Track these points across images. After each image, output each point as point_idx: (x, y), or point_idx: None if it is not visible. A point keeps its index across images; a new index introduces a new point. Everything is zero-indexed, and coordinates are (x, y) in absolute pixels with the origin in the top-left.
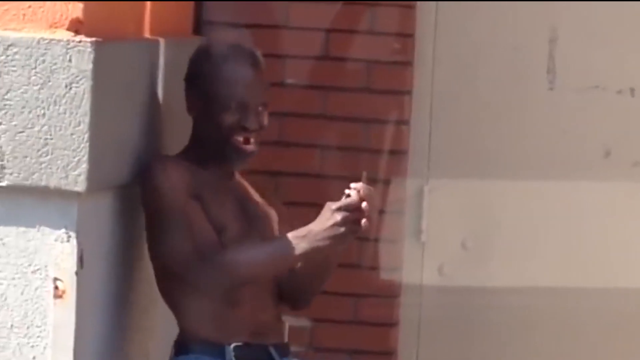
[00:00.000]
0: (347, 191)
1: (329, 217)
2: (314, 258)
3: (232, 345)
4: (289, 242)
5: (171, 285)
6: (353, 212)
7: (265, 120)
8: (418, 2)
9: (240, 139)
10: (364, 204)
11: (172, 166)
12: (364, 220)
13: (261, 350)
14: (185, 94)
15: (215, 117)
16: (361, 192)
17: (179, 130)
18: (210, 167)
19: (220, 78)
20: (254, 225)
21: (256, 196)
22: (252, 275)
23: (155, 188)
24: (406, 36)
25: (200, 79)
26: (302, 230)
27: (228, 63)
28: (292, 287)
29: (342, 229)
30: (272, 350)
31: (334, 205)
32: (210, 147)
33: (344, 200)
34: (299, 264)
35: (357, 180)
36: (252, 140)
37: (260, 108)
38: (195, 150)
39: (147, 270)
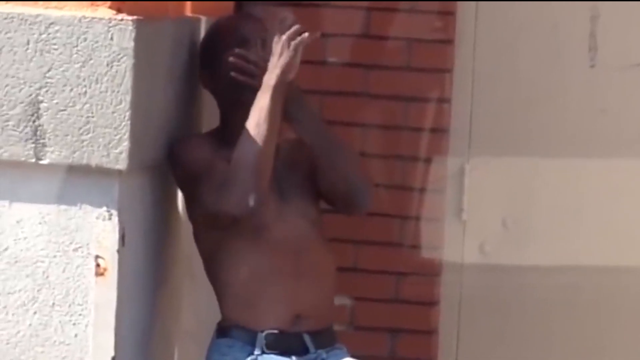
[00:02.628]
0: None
1: (278, 51)
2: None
3: (265, 333)
4: (259, 98)
5: (214, 264)
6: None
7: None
8: None
9: None
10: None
11: (195, 137)
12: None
13: (296, 338)
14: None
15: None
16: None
17: (217, 110)
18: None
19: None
20: (283, 192)
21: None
22: (258, 151)
23: (179, 153)
24: (447, 14)
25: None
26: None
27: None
28: (332, 187)
29: (290, 51)
30: (308, 339)
31: (277, 37)
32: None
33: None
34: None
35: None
36: None
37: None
38: (222, 130)
39: (185, 248)
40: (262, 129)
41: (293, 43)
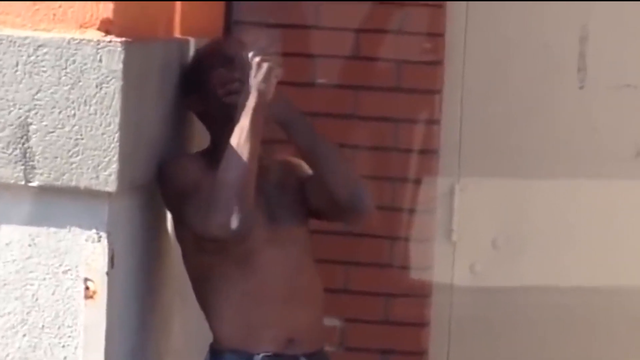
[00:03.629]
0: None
1: (255, 68)
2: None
3: (261, 355)
4: (242, 118)
5: (203, 287)
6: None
7: None
8: (448, 2)
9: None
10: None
11: (184, 156)
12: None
13: None
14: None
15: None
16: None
17: (206, 131)
18: None
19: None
20: (273, 216)
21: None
22: (240, 172)
23: (167, 172)
24: (436, 35)
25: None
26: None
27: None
28: (333, 200)
29: (265, 65)
30: None
31: (251, 54)
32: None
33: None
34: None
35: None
36: None
37: None
38: (213, 151)
39: (175, 269)
40: (243, 150)
41: (265, 64)
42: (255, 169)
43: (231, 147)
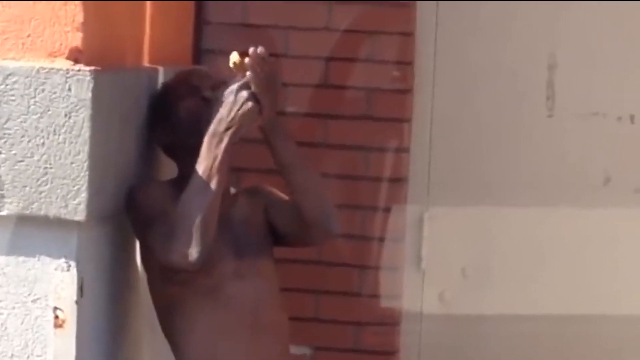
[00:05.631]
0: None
1: (233, 99)
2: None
3: None
4: (208, 148)
5: (169, 318)
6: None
7: None
8: (417, 30)
9: None
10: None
11: (152, 183)
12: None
13: None
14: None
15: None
16: (252, 63)
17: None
18: None
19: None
20: (239, 249)
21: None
22: (205, 204)
23: (135, 198)
24: (405, 64)
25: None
26: (212, 126)
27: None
28: (303, 218)
29: (250, 104)
30: None
31: (235, 85)
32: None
33: (241, 80)
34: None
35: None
36: None
37: None
38: (180, 180)
39: (145, 299)
40: (210, 182)
41: (241, 95)
42: (219, 201)
43: (198, 176)
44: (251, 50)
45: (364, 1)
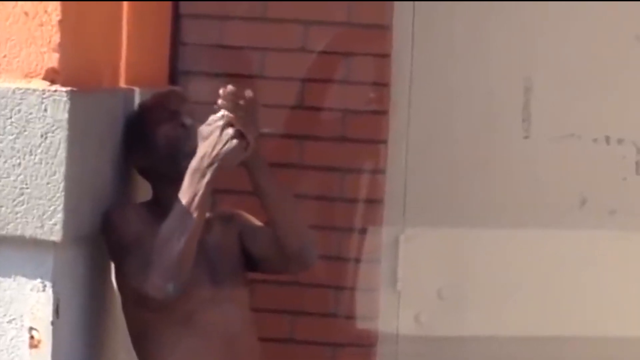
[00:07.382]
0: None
1: (218, 136)
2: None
3: None
4: (190, 183)
5: (143, 343)
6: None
7: None
8: (393, 51)
9: None
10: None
11: (129, 206)
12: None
13: None
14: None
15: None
16: (228, 103)
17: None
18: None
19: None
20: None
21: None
22: (184, 239)
23: (112, 221)
24: (382, 85)
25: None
26: (195, 162)
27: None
28: (282, 250)
29: (235, 142)
30: None
31: (220, 122)
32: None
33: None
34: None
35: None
36: None
37: None
38: (155, 204)
39: (121, 321)
40: (192, 216)
41: (226, 133)
42: (199, 236)
43: (178, 210)
44: (220, 91)
45: (340, 23)
